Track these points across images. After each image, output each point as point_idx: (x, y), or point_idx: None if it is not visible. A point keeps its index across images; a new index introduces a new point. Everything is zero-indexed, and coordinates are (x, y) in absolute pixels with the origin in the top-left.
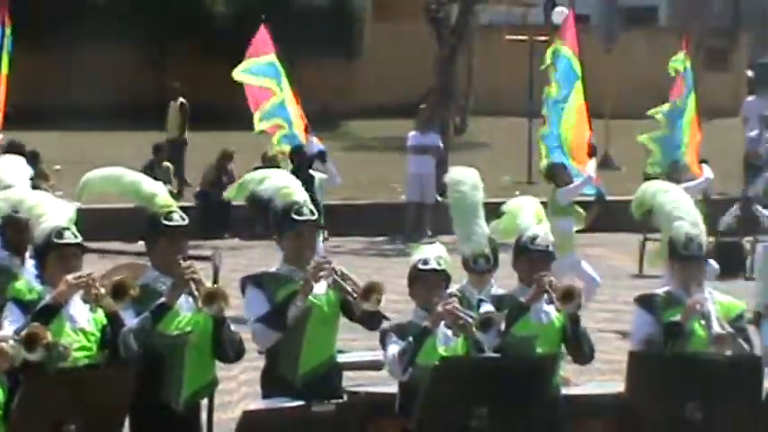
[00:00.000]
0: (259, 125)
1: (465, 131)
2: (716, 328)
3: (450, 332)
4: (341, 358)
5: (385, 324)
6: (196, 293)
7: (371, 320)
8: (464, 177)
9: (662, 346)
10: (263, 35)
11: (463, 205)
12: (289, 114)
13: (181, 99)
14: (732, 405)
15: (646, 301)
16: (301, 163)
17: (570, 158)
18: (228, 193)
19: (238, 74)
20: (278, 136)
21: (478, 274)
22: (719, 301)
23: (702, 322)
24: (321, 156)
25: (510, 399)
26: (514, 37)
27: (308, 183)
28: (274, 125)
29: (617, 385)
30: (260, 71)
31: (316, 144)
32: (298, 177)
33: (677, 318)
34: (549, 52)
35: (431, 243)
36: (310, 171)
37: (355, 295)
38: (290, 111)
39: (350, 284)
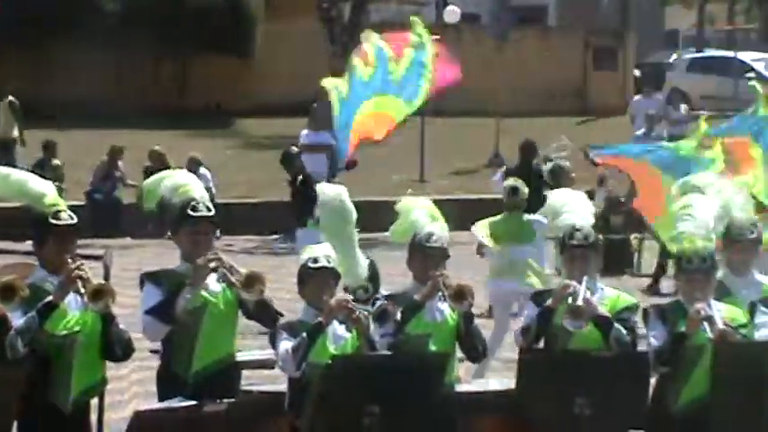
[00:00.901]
0: None
1: None
2: (579, 301)
3: (340, 330)
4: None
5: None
6: (83, 291)
7: (267, 318)
8: (333, 208)
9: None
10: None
11: (336, 237)
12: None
13: (10, 97)
14: (619, 401)
15: (537, 296)
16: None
17: None
18: (139, 202)
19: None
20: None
21: (361, 302)
22: (608, 296)
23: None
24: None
25: (402, 397)
26: None
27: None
28: None
29: (509, 382)
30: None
31: None
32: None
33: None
34: None
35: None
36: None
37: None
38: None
39: (236, 277)
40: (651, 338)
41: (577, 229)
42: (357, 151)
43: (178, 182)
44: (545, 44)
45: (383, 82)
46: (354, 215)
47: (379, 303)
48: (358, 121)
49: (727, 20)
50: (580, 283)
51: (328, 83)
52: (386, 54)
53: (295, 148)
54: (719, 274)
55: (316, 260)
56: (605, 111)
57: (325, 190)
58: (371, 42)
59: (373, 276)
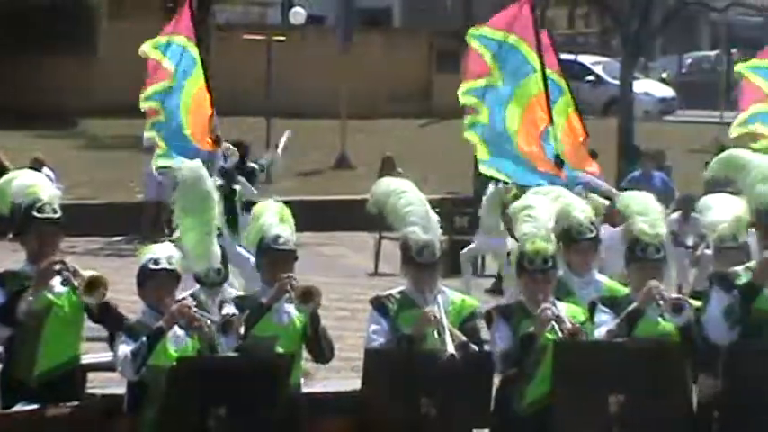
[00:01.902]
0: (143, 104)
1: None
2: (450, 349)
3: (181, 333)
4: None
5: None
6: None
7: (111, 321)
8: (193, 189)
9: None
10: (185, 15)
11: (194, 218)
12: (174, 106)
13: None
14: (464, 401)
15: (379, 302)
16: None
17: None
18: None
19: (149, 48)
20: (150, 121)
21: (210, 286)
22: (453, 299)
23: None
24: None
25: (248, 399)
26: (252, 36)
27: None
28: (153, 109)
29: (354, 383)
30: (169, 51)
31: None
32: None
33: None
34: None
35: (166, 242)
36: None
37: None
38: (181, 105)
39: (78, 281)
40: (496, 339)
41: (425, 246)
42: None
43: (26, 182)
44: (389, 46)
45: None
46: (215, 199)
47: (225, 311)
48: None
49: (568, 24)
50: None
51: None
52: None
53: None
54: (560, 273)
55: (156, 261)
56: (449, 112)
57: (185, 172)
58: None
59: (224, 261)
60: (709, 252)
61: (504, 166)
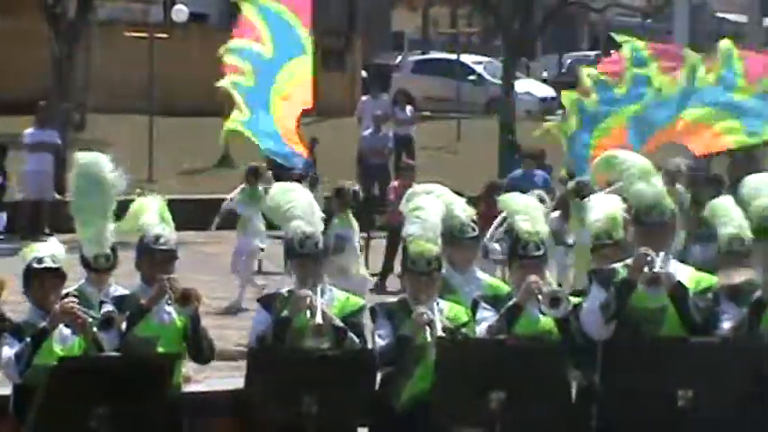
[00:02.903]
0: (226, 57)
1: (85, 129)
2: (318, 319)
3: (67, 331)
4: None
5: None
6: None
7: None
8: (89, 173)
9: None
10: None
11: (88, 202)
12: (264, 87)
13: None
14: (346, 399)
15: (266, 300)
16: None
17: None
18: None
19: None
20: (231, 78)
21: (98, 273)
22: (337, 296)
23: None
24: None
25: (130, 398)
26: (134, 34)
27: None
28: (234, 65)
29: (237, 382)
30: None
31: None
32: None
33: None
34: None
35: (47, 241)
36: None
37: None
38: (272, 92)
39: None
40: (377, 337)
41: (307, 236)
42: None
43: None
44: None
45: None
46: (113, 185)
47: (104, 310)
48: (277, 116)
49: (451, 24)
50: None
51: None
52: None
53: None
54: (443, 271)
55: (40, 260)
56: (334, 111)
57: (81, 156)
58: None
59: (114, 249)
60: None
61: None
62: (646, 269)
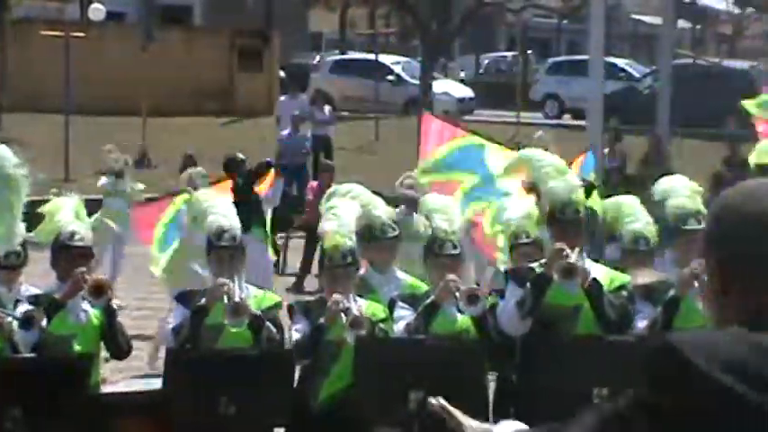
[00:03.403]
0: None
1: (0, 128)
2: (236, 298)
3: None
4: None
5: None
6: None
7: None
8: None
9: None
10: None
11: None
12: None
13: None
14: (264, 398)
15: (184, 296)
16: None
17: None
18: None
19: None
20: None
21: (9, 271)
22: (254, 293)
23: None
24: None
25: (46, 399)
26: (50, 32)
27: None
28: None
29: (155, 382)
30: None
31: None
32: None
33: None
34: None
35: None
36: None
37: None
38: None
39: None
40: (294, 332)
41: (225, 230)
42: None
43: None
44: (190, 44)
45: None
46: (21, 182)
47: (24, 309)
48: None
49: (369, 24)
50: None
51: None
52: None
53: (241, 155)
54: (362, 271)
55: None
56: (252, 111)
57: None
58: None
59: (24, 245)
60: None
61: None
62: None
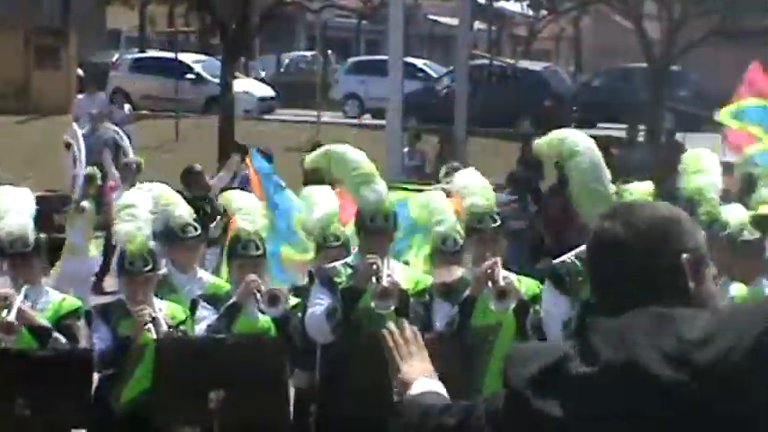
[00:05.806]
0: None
1: None
2: (11, 318)
3: None
4: None
5: None
6: None
7: None
8: None
9: None
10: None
11: None
12: None
13: None
14: (61, 400)
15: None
16: None
17: None
18: None
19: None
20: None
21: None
22: (53, 299)
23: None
24: None
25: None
26: None
27: None
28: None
29: None
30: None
31: None
32: None
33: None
34: None
35: None
36: None
37: None
38: None
39: None
40: (95, 339)
41: (17, 237)
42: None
43: None
44: None
45: None
46: None
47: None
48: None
49: (168, 23)
50: None
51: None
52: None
53: (199, 166)
54: (164, 270)
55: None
56: (49, 110)
57: None
58: None
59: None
60: None
61: None
62: (374, 279)
